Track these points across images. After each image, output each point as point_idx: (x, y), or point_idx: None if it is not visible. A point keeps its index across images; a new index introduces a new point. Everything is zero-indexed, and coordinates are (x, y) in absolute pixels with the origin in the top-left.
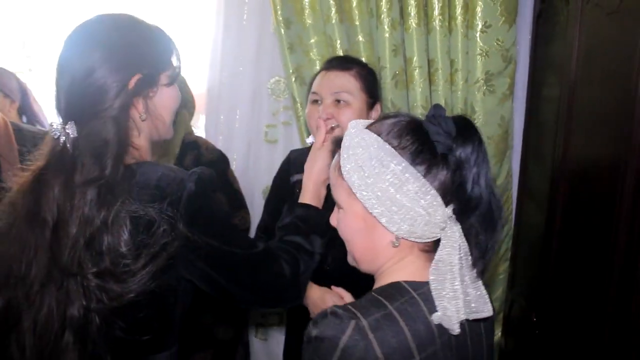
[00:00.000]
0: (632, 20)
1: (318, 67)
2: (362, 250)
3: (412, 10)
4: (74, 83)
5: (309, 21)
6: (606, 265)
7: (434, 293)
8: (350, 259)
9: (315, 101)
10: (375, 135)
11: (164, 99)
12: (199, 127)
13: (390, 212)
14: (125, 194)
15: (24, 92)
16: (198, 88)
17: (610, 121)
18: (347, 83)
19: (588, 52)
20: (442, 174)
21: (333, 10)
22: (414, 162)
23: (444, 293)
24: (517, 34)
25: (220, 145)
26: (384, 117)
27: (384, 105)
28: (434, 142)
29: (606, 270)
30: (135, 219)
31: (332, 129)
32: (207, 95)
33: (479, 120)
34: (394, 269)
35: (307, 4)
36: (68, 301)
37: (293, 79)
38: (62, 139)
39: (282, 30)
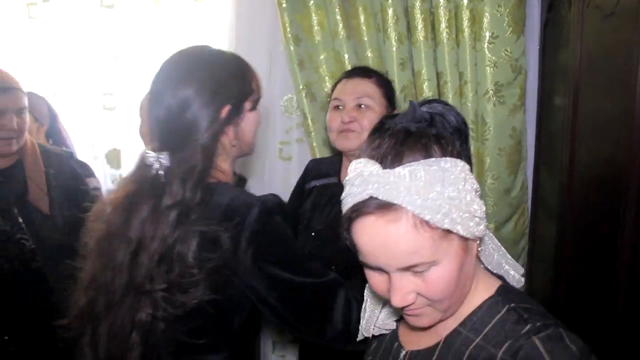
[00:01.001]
0: (628, 21)
1: (328, 83)
2: (465, 285)
3: (419, 24)
4: (170, 116)
5: (317, 38)
6: (613, 271)
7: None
8: (440, 315)
9: (337, 107)
10: (419, 163)
11: (249, 123)
12: None
13: (473, 220)
14: (200, 213)
15: (53, 117)
16: None
17: (613, 126)
18: (368, 89)
19: (590, 57)
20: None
21: (340, 26)
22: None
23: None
24: (526, 44)
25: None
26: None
27: None
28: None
29: (613, 276)
30: (203, 234)
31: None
32: None
33: (489, 132)
34: (479, 277)
35: (315, 21)
36: (138, 308)
37: (303, 95)
38: (156, 166)
39: (292, 48)
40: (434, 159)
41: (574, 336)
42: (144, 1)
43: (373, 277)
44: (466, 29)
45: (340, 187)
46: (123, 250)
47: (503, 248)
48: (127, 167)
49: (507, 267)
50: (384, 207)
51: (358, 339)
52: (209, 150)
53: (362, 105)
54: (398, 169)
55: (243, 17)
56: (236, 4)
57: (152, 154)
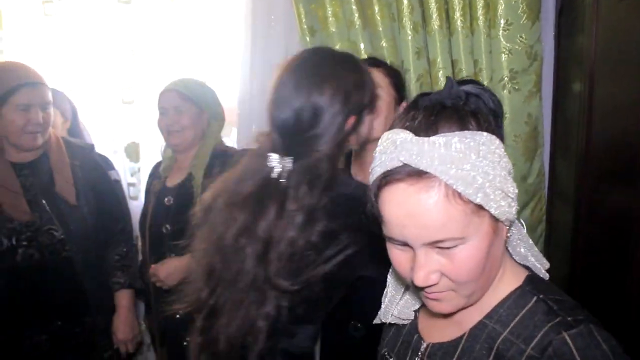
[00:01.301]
0: None
1: None
2: (492, 269)
3: (434, 12)
4: (300, 123)
5: (332, 28)
6: (628, 258)
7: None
8: (463, 301)
9: None
10: (447, 135)
11: (366, 126)
12: (232, 140)
13: (506, 200)
14: (325, 213)
15: (74, 112)
16: (229, 102)
17: (629, 112)
18: (376, 78)
19: (605, 42)
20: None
21: (356, 16)
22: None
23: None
24: (541, 30)
25: None
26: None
27: None
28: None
29: (628, 264)
30: (328, 232)
31: None
32: (238, 107)
33: (505, 119)
34: (506, 265)
35: (330, 11)
36: (264, 302)
37: None
38: (279, 170)
39: (308, 39)
40: (470, 131)
41: (606, 334)
42: None
43: (396, 254)
44: (481, 17)
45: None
46: (251, 249)
47: (530, 239)
48: (146, 160)
49: (532, 259)
50: (416, 174)
51: (374, 322)
52: (334, 159)
53: None
54: (433, 138)
55: (259, 9)
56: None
57: (275, 157)
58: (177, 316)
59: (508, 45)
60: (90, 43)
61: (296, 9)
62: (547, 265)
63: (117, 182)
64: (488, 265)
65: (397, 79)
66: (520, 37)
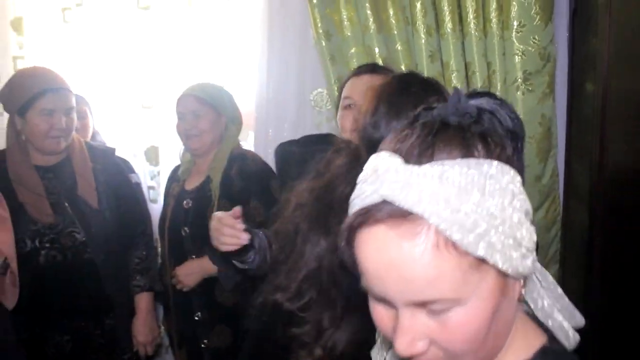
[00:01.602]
0: None
1: None
2: (498, 338)
3: (447, 16)
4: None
5: (348, 33)
6: None
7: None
8: None
9: (348, 106)
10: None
11: None
12: (249, 143)
13: (518, 251)
14: None
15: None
16: (246, 106)
17: None
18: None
19: (619, 43)
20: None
21: (370, 20)
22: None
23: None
24: (555, 32)
25: (269, 159)
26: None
27: None
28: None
29: None
30: None
31: None
32: (255, 111)
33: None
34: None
35: (345, 16)
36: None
37: (335, 89)
38: None
39: (323, 43)
40: (475, 159)
41: None
42: (179, 2)
43: (377, 310)
44: (494, 19)
45: None
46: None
47: (560, 289)
48: (165, 163)
49: (559, 318)
50: (400, 215)
51: None
52: None
53: None
54: (425, 167)
55: (275, 14)
56: (267, 3)
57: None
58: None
59: (521, 46)
60: (110, 49)
61: (312, 14)
62: (582, 321)
63: (138, 185)
64: (492, 332)
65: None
66: (534, 38)
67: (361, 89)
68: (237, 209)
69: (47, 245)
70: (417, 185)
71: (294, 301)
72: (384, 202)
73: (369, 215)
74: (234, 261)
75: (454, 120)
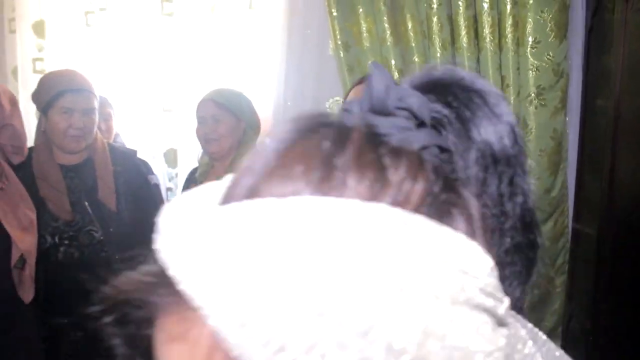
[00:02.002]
0: None
1: None
2: None
3: (462, 30)
4: None
5: (366, 44)
6: None
7: None
8: None
9: None
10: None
11: None
12: None
13: None
14: None
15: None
16: (264, 111)
17: None
18: None
19: (633, 60)
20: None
21: (388, 33)
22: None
23: None
24: (569, 49)
25: None
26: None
27: None
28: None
29: None
30: None
31: None
32: (272, 117)
33: (531, 134)
34: None
35: (364, 28)
36: None
37: None
38: None
39: (342, 54)
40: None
41: None
42: (202, 9)
43: None
44: (509, 35)
45: None
46: None
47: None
48: (184, 166)
49: None
50: (177, 302)
51: None
52: None
53: None
54: (232, 208)
55: (295, 23)
56: (288, 12)
57: None
58: None
59: (535, 62)
60: (132, 53)
61: (331, 25)
62: None
63: (157, 187)
64: None
65: None
66: (548, 54)
67: (354, 97)
68: None
69: (66, 242)
70: (203, 249)
71: None
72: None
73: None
74: None
75: (362, 125)
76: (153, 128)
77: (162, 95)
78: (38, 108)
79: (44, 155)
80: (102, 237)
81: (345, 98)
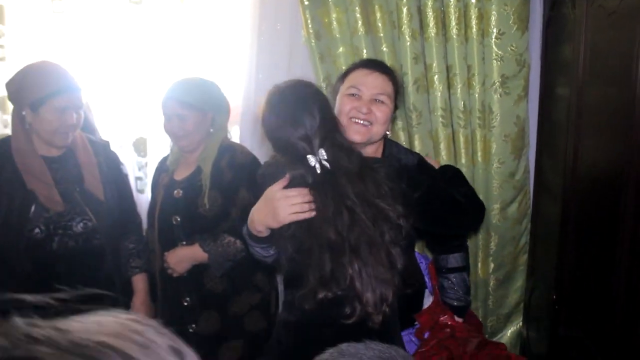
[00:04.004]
0: (630, 19)
1: None
2: None
3: (431, 21)
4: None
5: (336, 34)
6: (613, 251)
7: None
8: None
9: (353, 94)
10: None
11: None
12: (235, 137)
13: None
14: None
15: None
16: (233, 100)
17: (614, 118)
18: (387, 86)
19: (593, 52)
20: None
21: (359, 23)
22: None
23: None
24: (529, 40)
25: (256, 152)
26: None
27: (406, 108)
28: None
29: (614, 256)
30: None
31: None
32: (242, 106)
33: (496, 120)
34: None
35: (334, 18)
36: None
37: (324, 86)
38: (318, 164)
39: (313, 42)
40: None
41: None
42: None
43: None
44: (474, 26)
45: None
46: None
47: None
48: (153, 154)
49: None
50: None
51: None
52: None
53: (378, 100)
54: None
55: (265, 12)
56: (259, 1)
57: (312, 157)
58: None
59: (500, 52)
60: (99, 41)
61: (303, 14)
62: None
63: (127, 176)
64: None
65: (399, 87)
66: (511, 45)
67: (373, 86)
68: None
69: (60, 231)
70: None
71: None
72: None
73: None
74: (257, 248)
75: None
76: (121, 117)
77: (131, 84)
78: (20, 102)
79: (25, 147)
80: (94, 226)
81: (343, 77)
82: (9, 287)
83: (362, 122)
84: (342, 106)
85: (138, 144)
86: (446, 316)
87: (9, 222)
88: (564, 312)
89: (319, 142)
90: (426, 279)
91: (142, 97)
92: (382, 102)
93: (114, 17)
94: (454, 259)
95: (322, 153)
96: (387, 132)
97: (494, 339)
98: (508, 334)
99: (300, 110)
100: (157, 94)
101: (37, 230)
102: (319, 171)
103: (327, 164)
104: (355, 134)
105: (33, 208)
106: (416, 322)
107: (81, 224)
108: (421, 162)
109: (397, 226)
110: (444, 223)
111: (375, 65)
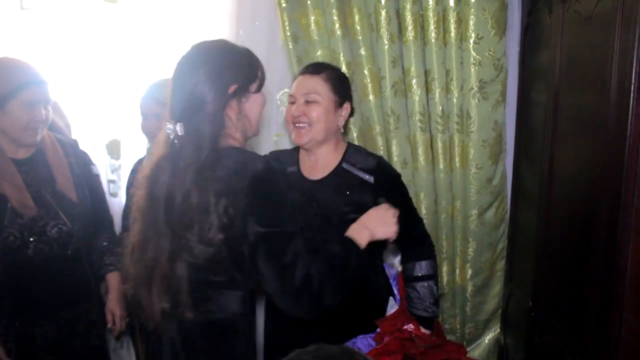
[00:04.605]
0: (605, 25)
1: None
2: None
3: (409, 25)
4: (185, 94)
5: (314, 37)
6: (590, 250)
7: None
8: None
9: (292, 102)
10: None
11: (254, 103)
12: None
13: None
14: (212, 171)
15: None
16: None
17: (590, 123)
18: (316, 85)
19: (569, 58)
20: None
21: (337, 25)
22: None
23: None
24: (507, 45)
25: None
26: None
27: (384, 113)
28: None
29: (590, 261)
30: (217, 189)
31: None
32: None
33: (474, 125)
34: None
35: (312, 20)
36: (179, 253)
37: None
38: (172, 135)
39: (290, 45)
40: None
41: None
42: None
43: None
44: (453, 30)
45: (299, 175)
46: (157, 209)
47: None
48: (127, 157)
49: None
50: None
51: None
52: (215, 118)
53: (310, 101)
54: None
55: (243, 15)
56: (237, 3)
57: (170, 126)
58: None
59: (478, 57)
60: (72, 40)
61: (280, 17)
62: None
63: (98, 177)
64: None
65: (336, 83)
66: (489, 50)
67: (301, 88)
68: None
69: (35, 237)
70: None
71: None
72: None
73: None
74: None
75: None
76: (93, 119)
77: (105, 85)
78: None
79: None
80: (69, 230)
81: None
82: None
83: (300, 124)
84: (285, 117)
85: (111, 146)
86: (410, 325)
87: None
88: (540, 319)
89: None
90: (394, 288)
91: (116, 99)
92: (315, 101)
93: (89, 16)
94: (419, 267)
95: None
96: (340, 130)
97: (472, 346)
98: (486, 340)
99: None
100: (131, 95)
101: (11, 237)
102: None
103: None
104: (297, 137)
105: (7, 214)
106: (378, 329)
107: (55, 229)
108: (380, 165)
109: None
110: None
111: (307, 68)
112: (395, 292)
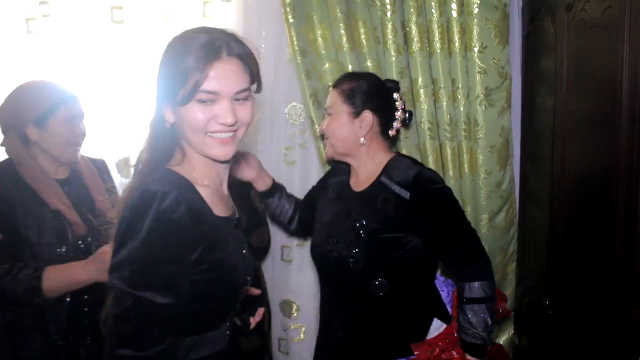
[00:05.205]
0: (612, 32)
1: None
2: None
3: (415, 36)
4: None
5: (322, 51)
6: (607, 251)
7: None
8: None
9: (327, 115)
10: None
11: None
12: None
13: None
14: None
15: None
16: None
17: (599, 126)
18: (332, 98)
19: (576, 64)
20: None
21: (344, 39)
22: None
23: None
24: (510, 53)
25: None
26: None
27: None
28: None
29: (608, 256)
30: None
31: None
32: None
33: (482, 132)
34: None
35: (320, 34)
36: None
37: (311, 103)
38: None
39: (299, 59)
40: None
41: None
42: (154, 17)
43: None
44: (457, 41)
45: (346, 185)
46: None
47: None
48: None
49: None
50: None
51: None
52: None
53: (329, 114)
54: None
55: (251, 32)
56: (244, 20)
57: None
58: None
59: (483, 66)
60: (80, 61)
61: (288, 32)
62: None
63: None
64: None
65: (353, 94)
66: (494, 59)
67: (327, 102)
68: None
69: (83, 257)
70: None
71: None
72: None
73: None
74: None
75: None
76: (104, 138)
77: (114, 104)
78: (20, 123)
79: (37, 171)
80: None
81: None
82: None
83: (326, 140)
84: (321, 128)
85: (121, 164)
86: (454, 352)
87: (42, 241)
88: (558, 317)
89: None
90: (448, 308)
91: (125, 118)
92: (330, 115)
93: (96, 38)
94: (469, 288)
95: None
96: (361, 141)
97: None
98: (501, 342)
99: None
100: (140, 113)
101: (65, 251)
102: None
103: None
104: (325, 153)
105: (65, 229)
106: (415, 354)
107: (99, 247)
108: (419, 179)
109: None
110: None
111: (336, 82)
112: (449, 311)
